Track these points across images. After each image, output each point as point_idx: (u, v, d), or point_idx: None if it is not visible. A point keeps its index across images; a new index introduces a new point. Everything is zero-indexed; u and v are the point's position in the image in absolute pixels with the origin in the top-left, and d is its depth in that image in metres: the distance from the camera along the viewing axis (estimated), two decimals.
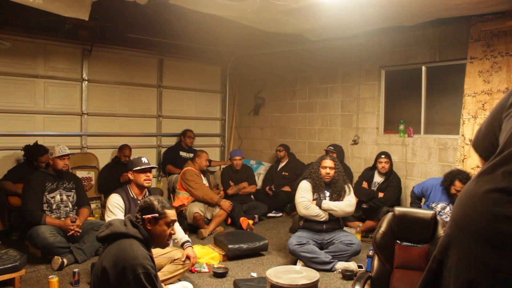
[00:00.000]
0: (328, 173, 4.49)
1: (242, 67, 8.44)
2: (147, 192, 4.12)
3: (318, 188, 4.52)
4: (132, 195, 3.99)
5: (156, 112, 7.66)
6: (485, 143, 1.50)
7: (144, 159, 4.10)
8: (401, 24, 5.45)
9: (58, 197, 4.64)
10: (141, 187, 4.04)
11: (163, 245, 2.72)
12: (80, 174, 6.21)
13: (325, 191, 4.54)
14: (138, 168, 4.01)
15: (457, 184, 4.46)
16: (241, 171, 6.82)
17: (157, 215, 2.54)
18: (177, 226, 3.95)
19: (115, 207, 3.83)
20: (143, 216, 2.52)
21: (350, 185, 4.67)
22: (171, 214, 2.63)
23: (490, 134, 1.46)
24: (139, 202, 3.92)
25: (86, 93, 6.72)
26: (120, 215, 3.75)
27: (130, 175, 4.04)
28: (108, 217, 3.78)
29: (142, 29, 6.90)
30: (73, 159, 6.39)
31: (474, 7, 4.68)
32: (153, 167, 4.12)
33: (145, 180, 4.01)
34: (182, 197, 5.89)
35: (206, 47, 7.93)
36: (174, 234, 2.72)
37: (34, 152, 5.42)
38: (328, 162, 4.53)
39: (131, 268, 2.24)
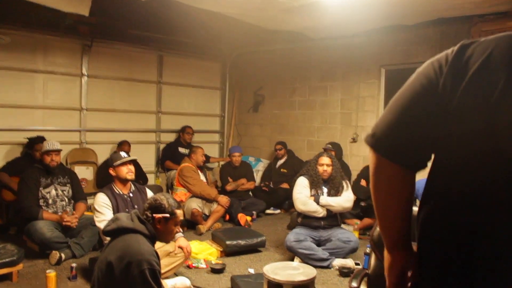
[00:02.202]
0: (326, 170, 4.51)
1: (242, 64, 8.44)
2: (132, 186, 4.05)
3: (316, 184, 4.53)
4: (117, 191, 3.92)
5: (155, 108, 7.65)
6: (413, 144, 1.10)
7: (122, 154, 4.07)
8: (402, 23, 5.45)
9: (53, 192, 4.64)
10: (124, 181, 3.96)
11: (168, 241, 2.80)
12: (79, 169, 6.20)
13: (323, 188, 4.55)
14: (118, 162, 3.94)
15: None
16: (240, 167, 6.82)
17: (168, 215, 2.57)
18: None
19: (102, 207, 3.76)
20: (154, 215, 2.55)
21: (347, 181, 4.68)
22: (180, 214, 2.68)
23: (424, 127, 1.09)
24: (126, 197, 3.90)
25: (85, 88, 6.71)
26: (109, 214, 3.69)
27: (112, 172, 3.97)
28: (97, 218, 3.71)
29: (142, 25, 6.90)
30: (71, 154, 6.42)
31: (476, 7, 4.68)
32: (132, 159, 4.05)
33: (127, 172, 3.93)
34: (180, 193, 5.90)
35: (206, 44, 7.93)
36: (179, 232, 2.77)
37: (33, 141, 5.45)
38: (325, 160, 4.55)
39: (137, 264, 2.26)
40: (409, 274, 1.22)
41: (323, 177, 4.54)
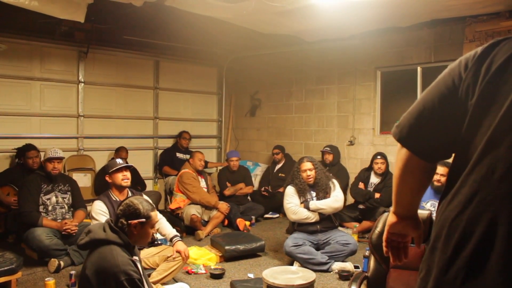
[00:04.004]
0: (309, 175, 4.51)
1: (238, 69, 8.45)
2: (129, 192, 4.06)
3: (303, 191, 4.54)
4: (114, 198, 3.93)
5: (152, 113, 7.65)
6: (432, 142, 1.21)
7: (118, 160, 4.07)
8: (397, 25, 5.47)
9: (53, 199, 4.64)
10: (120, 188, 3.98)
11: (146, 244, 2.79)
12: (77, 176, 6.18)
13: (311, 192, 4.56)
14: (113, 169, 3.95)
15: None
16: (237, 172, 6.82)
17: (144, 220, 2.52)
18: (164, 222, 3.95)
19: (99, 214, 3.76)
20: (129, 222, 2.49)
21: (334, 181, 4.67)
22: (155, 215, 2.64)
23: (442, 128, 1.18)
24: None
25: (82, 95, 6.71)
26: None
27: (108, 179, 3.98)
28: None
29: (138, 31, 6.90)
30: (69, 161, 6.40)
31: (469, 8, 4.71)
32: (128, 166, 4.05)
33: (122, 179, 3.95)
34: (179, 199, 5.89)
35: (202, 49, 7.94)
36: (156, 233, 2.72)
37: (23, 149, 5.44)
38: (306, 165, 4.55)
39: (114, 276, 2.24)
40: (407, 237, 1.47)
41: (309, 182, 4.55)
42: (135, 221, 2.49)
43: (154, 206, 2.70)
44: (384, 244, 1.50)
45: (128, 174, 4.02)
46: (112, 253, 2.33)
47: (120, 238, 2.43)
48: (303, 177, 4.54)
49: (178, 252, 3.66)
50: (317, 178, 4.55)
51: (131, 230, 2.49)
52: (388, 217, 1.46)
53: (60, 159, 4.73)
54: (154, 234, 3.60)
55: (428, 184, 1.35)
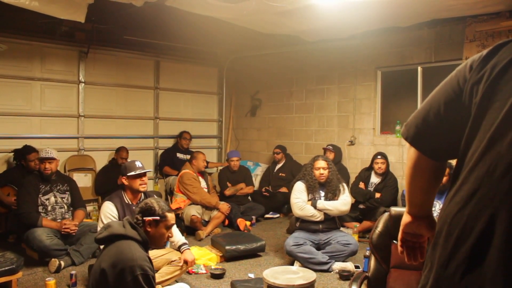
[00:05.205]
0: (322, 174, 4.51)
1: (238, 69, 8.45)
2: (142, 196, 3.99)
3: (312, 189, 4.53)
4: (126, 201, 3.86)
5: (153, 114, 7.65)
6: (438, 141, 1.24)
7: (138, 163, 3.95)
8: (397, 25, 5.47)
9: (52, 199, 4.63)
10: (136, 192, 3.92)
11: (160, 247, 2.79)
12: (77, 176, 6.19)
13: (320, 191, 4.55)
14: (132, 173, 3.85)
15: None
16: (238, 172, 6.82)
17: (158, 218, 2.56)
18: (174, 228, 3.93)
19: (107, 218, 3.69)
20: (144, 218, 2.54)
21: (344, 184, 4.68)
22: (171, 217, 2.66)
23: (447, 128, 1.22)
24: (134, 208, 3.82)
25: (83, 95, 6.71)
26: None
27: (124, 181, 3.89)
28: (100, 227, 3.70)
29: (138, 31, 6.90)
30: (70, 161, 6.41)
31: (469, 8, 4.71)
32: (147, 171, 3.99)
33: (140, 185, 3.88)
34: (179, 199, 5.88)
35: (203, 49, 7.94)
36: (171, 237, 2.75)
37: (22, 152, 5.43)
38: (321, 163, 4.55)
39: (130, 270, 2.25)
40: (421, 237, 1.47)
41: (320, 181, 4.54)
42: (150, 218, 2.53)
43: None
44: (399, 244, 1.51)
45: (145, 179, 3.95)
46: (130, 247, 2.37)
47: (139, 234, 2.47)
48: (315, 175, 4.54)
49: (185, 261, 3.67)
50: (329, 178, 4.55)
51: (145, 227, 2.53)
52: (403, 217, 1.48)
53: (51, 159, 4.60)
54: None
55: (439, 183, 1.36)
